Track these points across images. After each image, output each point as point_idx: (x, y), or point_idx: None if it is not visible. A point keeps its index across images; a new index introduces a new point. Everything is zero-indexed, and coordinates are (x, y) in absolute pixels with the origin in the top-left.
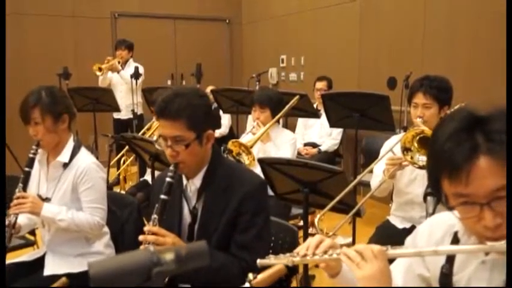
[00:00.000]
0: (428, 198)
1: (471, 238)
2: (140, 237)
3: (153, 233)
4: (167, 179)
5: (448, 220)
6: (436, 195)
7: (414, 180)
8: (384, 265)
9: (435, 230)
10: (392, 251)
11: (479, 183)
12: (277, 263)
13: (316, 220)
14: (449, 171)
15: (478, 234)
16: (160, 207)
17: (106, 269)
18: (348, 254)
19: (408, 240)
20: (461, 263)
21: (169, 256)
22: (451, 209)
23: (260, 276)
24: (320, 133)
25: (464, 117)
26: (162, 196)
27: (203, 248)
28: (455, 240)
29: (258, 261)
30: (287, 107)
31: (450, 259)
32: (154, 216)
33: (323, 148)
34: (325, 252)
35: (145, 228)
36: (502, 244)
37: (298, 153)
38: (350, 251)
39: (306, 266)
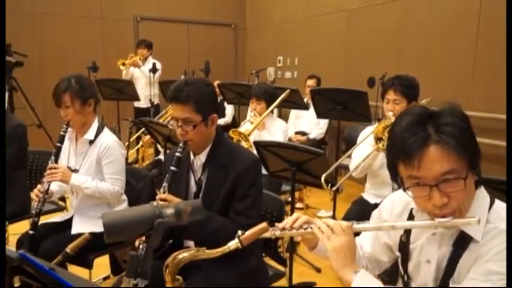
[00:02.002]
0: None
1: (423, 215)
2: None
3: (163, 199)
4: (177, 154)
5: (406, 198)
6: (393, 178)
7: (385, 164)
8: (350, 238)
9: (396, 206)
10: (356, 226)
11: (429, 167)
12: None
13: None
14: (404, 157)
15: (427, 212)
16: (170, 177)
17: (116, 219)
18: (320, 228)
19: (374, 213)
20: (416, 234)
21: (169, 210)
22: (405, 190)
23: (247, 232)
24: (309, 123)
25: (418, 112)
26: (172, 168)
27: (198, 204)
28: (411, 216)
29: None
30: (279, 99)
31: (407, 231)
32: (164, 184)
33: (311, 136)
34: (301, 226)
35: (157, 196)
36: (448, 220)
37: (290, 140)
38: (322, 225)
39: None
